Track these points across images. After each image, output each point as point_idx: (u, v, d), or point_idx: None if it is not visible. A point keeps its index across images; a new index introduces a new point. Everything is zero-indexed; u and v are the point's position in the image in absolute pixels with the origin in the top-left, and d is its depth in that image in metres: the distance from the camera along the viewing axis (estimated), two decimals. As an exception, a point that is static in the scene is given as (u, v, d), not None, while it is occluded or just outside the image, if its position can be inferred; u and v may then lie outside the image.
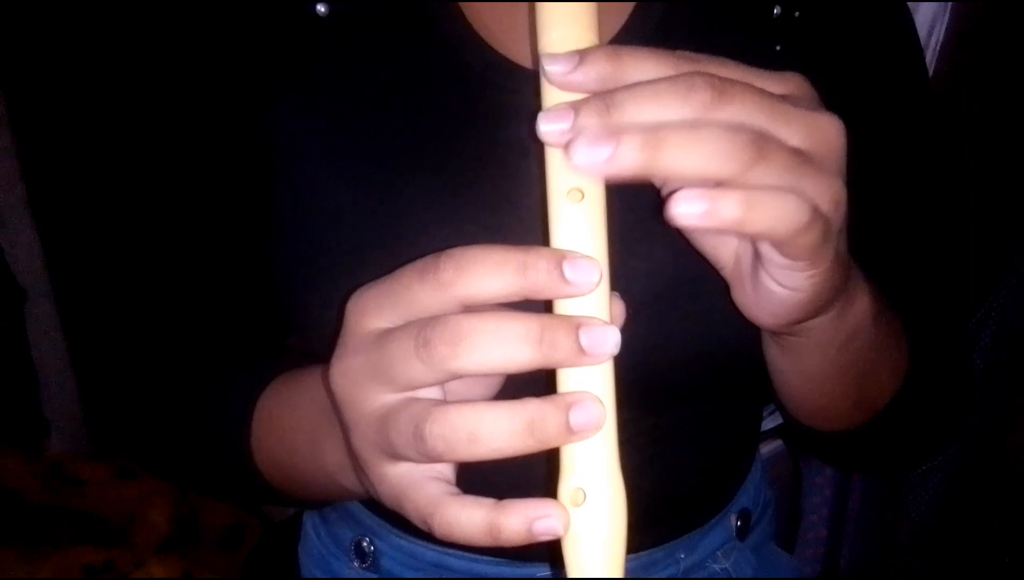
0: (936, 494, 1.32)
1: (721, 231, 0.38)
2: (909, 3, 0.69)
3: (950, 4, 1.13)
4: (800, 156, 0.38)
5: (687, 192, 0.36)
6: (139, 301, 0.73)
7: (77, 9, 1.70)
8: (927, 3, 1.14)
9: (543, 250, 0.37)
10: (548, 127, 0.37)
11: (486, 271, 0.36)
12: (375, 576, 0.77)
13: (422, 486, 0.40)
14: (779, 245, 0.39)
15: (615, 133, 0.36)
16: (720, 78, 0.37)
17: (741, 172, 0.36)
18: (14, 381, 1.92)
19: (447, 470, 0.41)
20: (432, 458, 0.38)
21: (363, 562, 0.77)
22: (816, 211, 0.38)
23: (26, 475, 1.64)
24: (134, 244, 0.72)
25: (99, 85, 1.68)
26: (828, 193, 0.39)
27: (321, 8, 0.60)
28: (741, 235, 0.40)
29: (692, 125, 0.36)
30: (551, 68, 0.38)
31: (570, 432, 0.36)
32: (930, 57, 1.15)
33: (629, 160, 0.36)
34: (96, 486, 1.64)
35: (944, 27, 1.14)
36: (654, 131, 0.36)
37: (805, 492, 1.29)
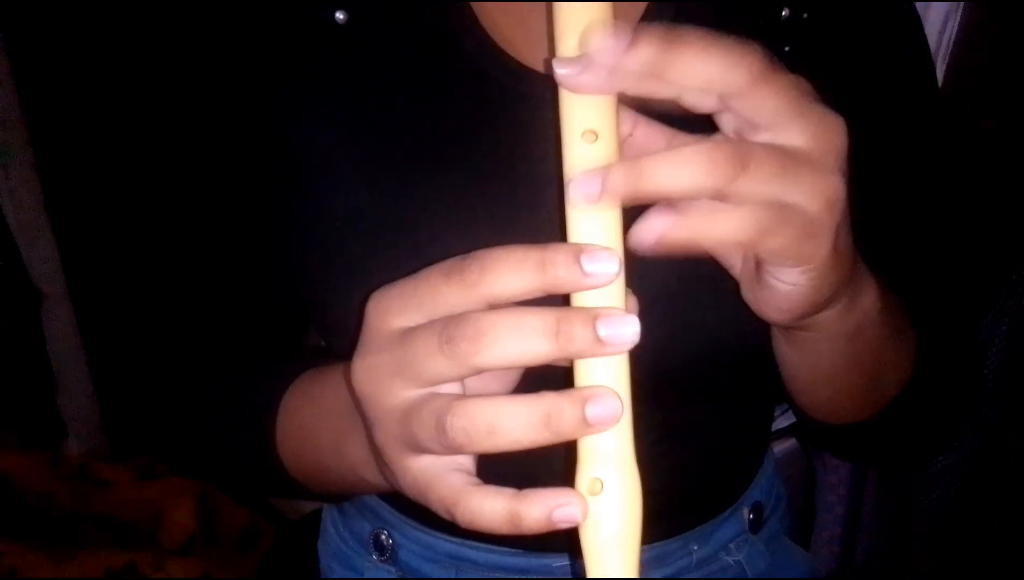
0: (951, 492, 1.32)
1: (682, 250, 0.40)
2: (921, 2, 0.69)
3: (962, 4, 1.13)
4: (789, 159, 0.40)
5: (643, 221, 0.39)
6: (158, 303, 0.74)
7: (99, 18, 1.71)
8: (939, 3, 1.14)
9: (560, 245, 0.38)
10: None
11: (508, 269, 0.38)
12: (393, 568, 0.78)
13: (444, 477, 0.41)
14: (749, 250, 0.41)
15: (602, 168, 0.38)
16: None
17: (725, 184, 0.38)
18: (31, 383, 1.93)
19: (468, 462, 0.42)
20: (453, 450, 0.39)
21: (382, 555, 0.78)
22: (782, 217, 0.40)
23: (51, 477, 1.66)
24: (153, 247, 0.73)
25: (118, 92, 1.70)
26: (821, 193, 0.41)
27: (340, 15, 0.61)
28: (701, 250, 0.41)
29: (673, 149, 0.38)
30: (561, 71, 0.39)
31: (586, 425, 0.37)
32: (942, 56, 1.15)
33: (618, 188, 0.38)
34: (120, 488, 1.65)
35: (956, 26, 1.14)
36: (636, 161, 0.38)
37: (819, 491, 1.29)
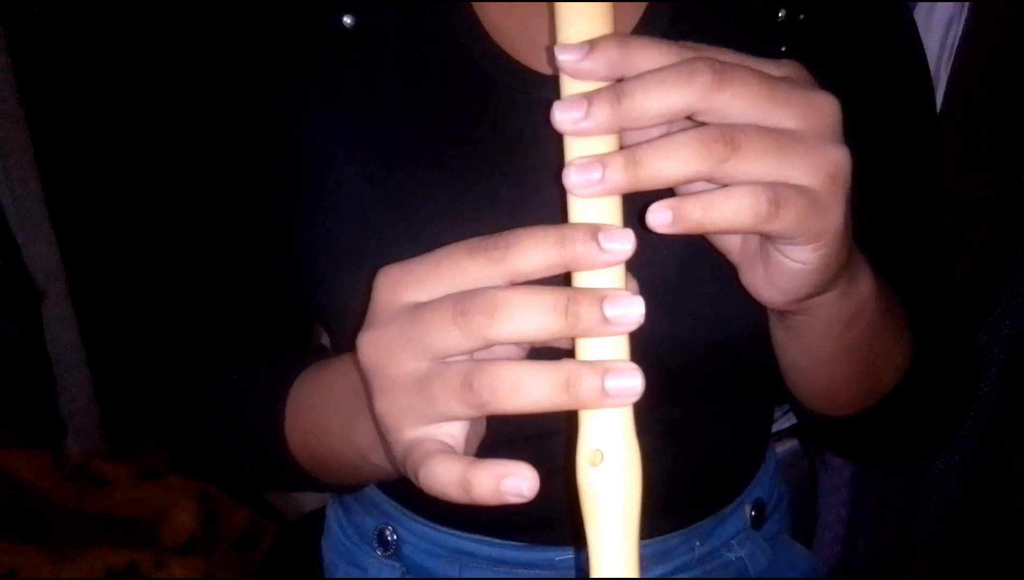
0: (953, 494, 1.32)
1: (691, 232, 0.41)
2: (926, 2, 0.70)
3: (966, 4, 1.14)
4: (784, 137, 0.41)
5: (657, 203, 0.40)
6: (162, 299, 0.75)
7: (102, 14, 1.72)
8: (943, 3, 1.14)
9: (579, 224, 0.40)
10: (563, 116, 0.40)
11: (531, 246, 0.39)
12: (397, 564, 0.78)
13: (422, 443, 0.42)
14: (758, 230, 0.42)
15: (600, 159, 0.40)
16: (720, 62, 0.40)
17: (716, 167, 0.40)
18: (31, 381, 1.93)
19: (460, 435, 0.43)
20: (477, 407, 0.40)
21: (386, 550, 0.78)
22: (785, 195, 0.41)
23: (52, 476, 1.65)
24: (155, 244, 0.74)
25: (120, 90, 1.70)
26: (821, 167, 0.42)
27: (347, 20, 0.63)
28: (709, 233, 0.43)
29: (666, 136, 0.40)
30: (564, 57, 0.41)
31: (604, 395, 0.38)
32: (946, 57, 1.16)
33: (617, 180, 0.40)
34: (121, 487, 1.65)
35: (960, 27, 1.14)
36: (633, 150, 0.40)
37: (821, 492, 1.30)
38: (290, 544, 1.12)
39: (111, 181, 1.83)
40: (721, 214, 0.40)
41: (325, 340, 0.77)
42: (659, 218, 0.40)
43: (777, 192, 0.40)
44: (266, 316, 0.72)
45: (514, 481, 0.38)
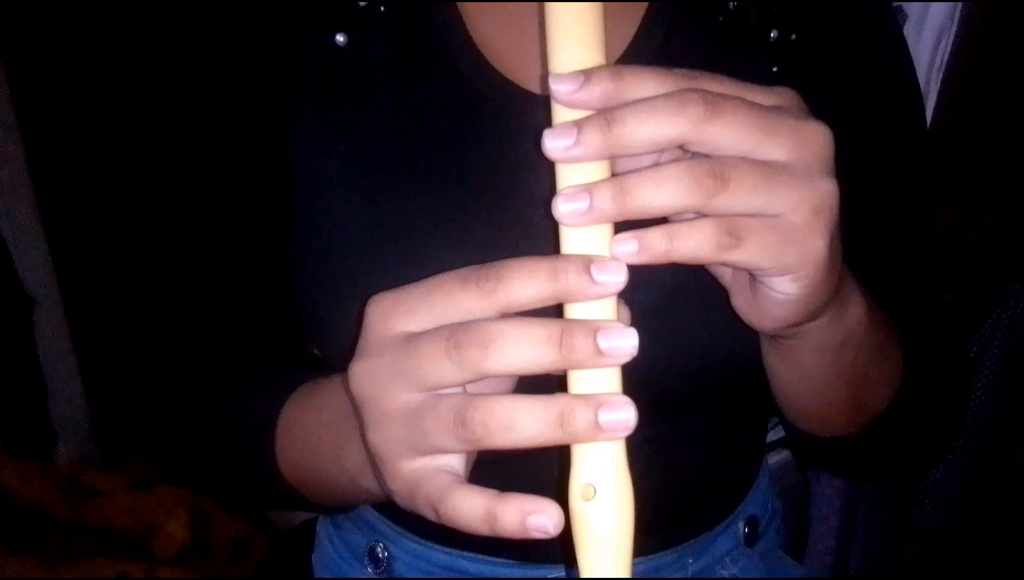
0: (946, 505, 1.32)
1: (657, 262, 0.41)
2: (922, 2, 0.70)
3: (957, 15, 1.14)
4: (773, 170, 0.41)
5: (622, 234, 0.41)
6: (156, 309, 0.75)
7: (96, 25, 1.71)
8: (934, 16, 1.14)
9: (572, 255, 0.40)
10: (553, 143, 0.40)
11: (523, 278, 0.39)
12: (388, 581, 0.77)
13: (433, 477, 0.42)
14: (721, 262, 0.42)
15: (588, 188, 0.40)
16: (713, 93, 0.40)
17: (706, 201, 0.40)
18: (23, 389, 1.93)
19: (458, 465, 0.43)
20: (470, 443, 0.40)
21: (377, 567, 0.77)
22: (748, 227, 0.41)
23: (44, 486, 1.65)
24: (149, 254, 0.74)
25: (112, 100, 1.69)
26: (806, 200, 0.42)
27: (340, 38, 0.63)
28: (676, 262, 0.43)
29: (656, 167, 0.40)
30: (558, 88, 0.41)
31: (597, 429, 0.38)
32: (937, 68, 1.16)
33: (605, 208, 0.40)
34: (113, 498, 1.65)
35: (951, 39, 1.15)
36: (621, 179, 0.40)
37: (813, 503, 1.29)
38: (282, 555, 1.11)
39: (104, 190, 1.83)
40: (685, 244, 0.40)
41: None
42: (625, 248, 0.40)
43: (737, 224, 0.41)
44: (260, 324, 0.72)
45: (540, 518, 0.38)
